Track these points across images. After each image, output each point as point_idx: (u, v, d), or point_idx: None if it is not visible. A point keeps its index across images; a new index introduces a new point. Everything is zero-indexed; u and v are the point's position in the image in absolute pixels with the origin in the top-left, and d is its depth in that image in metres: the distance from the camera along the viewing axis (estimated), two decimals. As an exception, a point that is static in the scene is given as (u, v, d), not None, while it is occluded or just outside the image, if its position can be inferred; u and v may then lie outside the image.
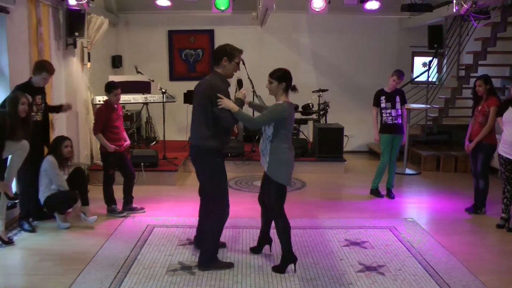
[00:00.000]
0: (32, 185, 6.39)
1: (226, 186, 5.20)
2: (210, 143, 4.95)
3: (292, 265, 5.17)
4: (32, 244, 5.83)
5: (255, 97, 9.09)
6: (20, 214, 6.38)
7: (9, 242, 5.77)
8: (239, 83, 5.20)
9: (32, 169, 6.26)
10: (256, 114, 5.50)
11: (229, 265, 5.26)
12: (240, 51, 5.05)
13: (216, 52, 5.04)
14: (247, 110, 5.38)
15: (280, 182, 5.01)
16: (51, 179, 6.32)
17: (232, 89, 5.31)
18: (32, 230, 6.28)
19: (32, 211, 6.49)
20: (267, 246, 5.64)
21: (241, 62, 5.20)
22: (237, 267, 5.25)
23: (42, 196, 6.35)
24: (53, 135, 7.10)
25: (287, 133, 5.04)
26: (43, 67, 6.32)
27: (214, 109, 4.84)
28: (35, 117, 6.35)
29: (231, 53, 4.96)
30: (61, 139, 6.58)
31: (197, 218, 5.71)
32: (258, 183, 8.68)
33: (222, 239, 5.98)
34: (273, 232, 5.32)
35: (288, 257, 5.17)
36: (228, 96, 4.89)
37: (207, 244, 5.22)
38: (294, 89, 5.08)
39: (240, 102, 5.02)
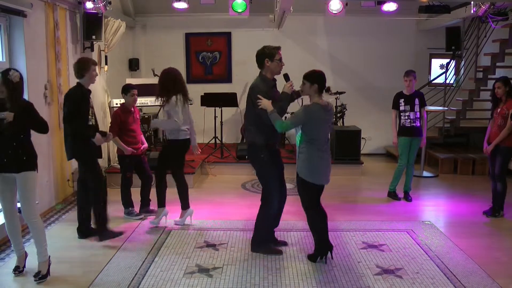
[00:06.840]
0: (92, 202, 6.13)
1: (273, 179, 5.52)
2: (255, 140, 5.42)
3: (329, 253, 5.44)
4: (49, 247, 5.81)
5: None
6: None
7: (46, 275, 5.07)
8: (286, 77, 5.34)
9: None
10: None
11: (278, 252, 5.65)
12: (278, 48, 5.39)
13: (257, 57, 5.42)
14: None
15: (305, 179, 5.17)
16: None
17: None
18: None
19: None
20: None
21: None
22: (254, 269, 5.25)
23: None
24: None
25: (315, 134, 5.14)
26: (88, 62, 5.84)
27: (256, 109, 5.25)
28: (91, 121, 5.93)
29: (270, 53, 5.35)
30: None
31: (215, 220, 6.13)
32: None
33: (240, 241, 6.00)
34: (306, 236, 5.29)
35: (322, 248, 5.38)
36: (266, 96, 5.22)
37: (259, 228, 5.67)
38: (327, 90, 5.33)
39: (286, 95, 5.28)
